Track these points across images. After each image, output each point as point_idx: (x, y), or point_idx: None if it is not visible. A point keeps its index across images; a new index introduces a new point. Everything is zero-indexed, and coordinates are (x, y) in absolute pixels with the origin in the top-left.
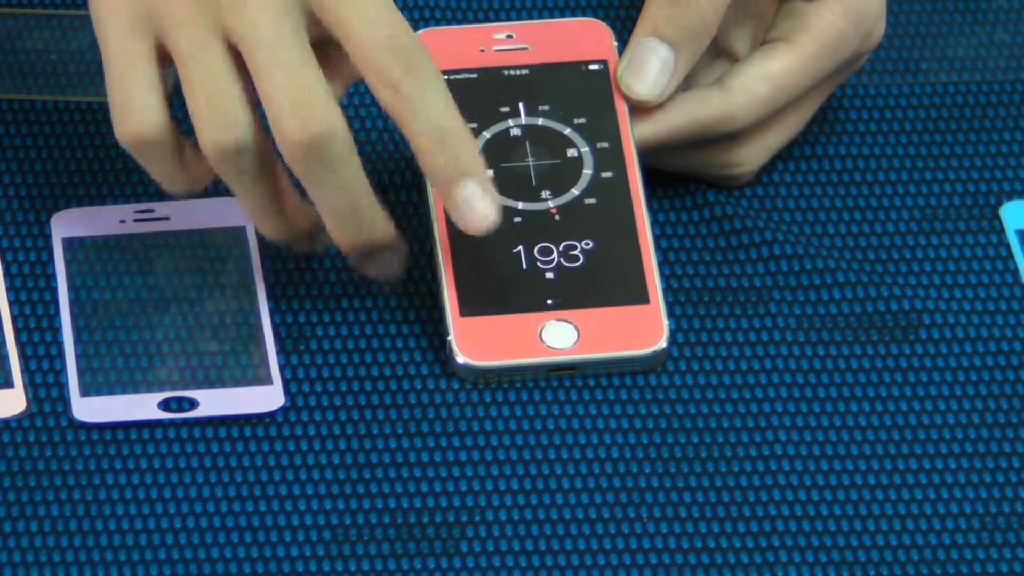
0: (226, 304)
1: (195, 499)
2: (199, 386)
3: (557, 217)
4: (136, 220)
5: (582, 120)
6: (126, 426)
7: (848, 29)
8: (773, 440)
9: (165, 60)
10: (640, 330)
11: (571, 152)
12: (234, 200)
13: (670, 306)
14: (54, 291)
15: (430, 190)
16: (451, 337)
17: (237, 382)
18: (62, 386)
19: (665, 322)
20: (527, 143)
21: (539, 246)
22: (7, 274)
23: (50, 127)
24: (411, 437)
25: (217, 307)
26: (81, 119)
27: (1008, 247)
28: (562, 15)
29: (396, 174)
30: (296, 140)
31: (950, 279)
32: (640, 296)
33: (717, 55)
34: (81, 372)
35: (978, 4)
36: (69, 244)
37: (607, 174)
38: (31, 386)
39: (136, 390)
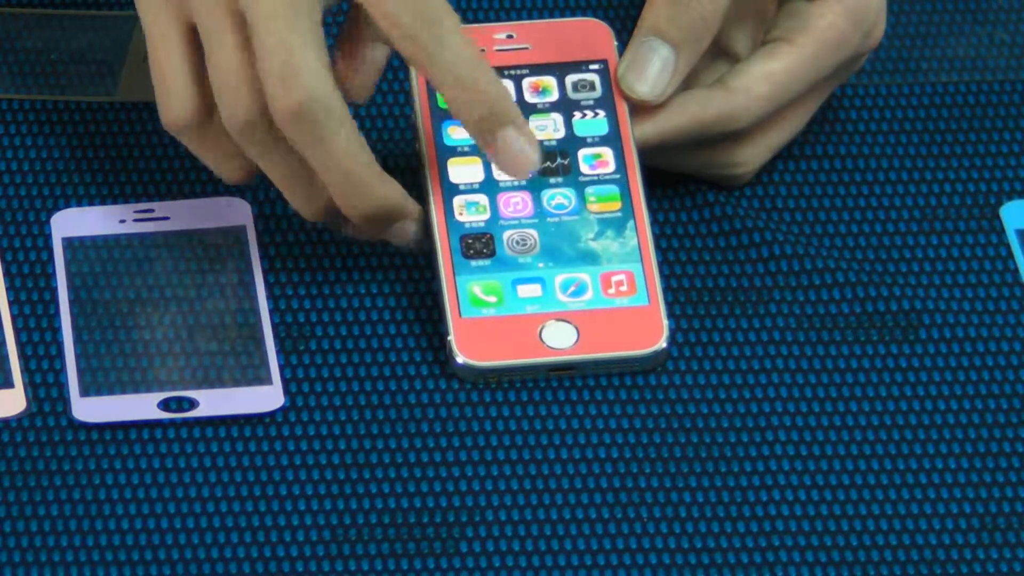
0: (226, 304)
1: (195, 499)
2: (199, 386)
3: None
4: (136, 220)
5: (582, 120)
6: (126, 426)
7: (848, 29)
8: (773, 440)
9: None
10: (640, 330)
11: (571, 152)
12: (235, 200)
13: (670, 306)
14: (54, 291)
15: (430, 190)
16: (451, 337)
17: (237, 382)
18: (62, 386)
19: (665, 322)
20: None
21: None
22: (7, 274)
23: (49, 127)
24: (411, 437)
25: (217, 307)
26: (81, 119)
27: (1008, 247)
28: (562, 15)
29: (396, 174)
30: (281, 107)
31: (950, 279)
32: (640, 296)
33: (717, 55)
34: (81, 372)
35: (978, 4)
36: (69, 244)
37: (608, 174)
38: (31, 386)
39: (136, 390)
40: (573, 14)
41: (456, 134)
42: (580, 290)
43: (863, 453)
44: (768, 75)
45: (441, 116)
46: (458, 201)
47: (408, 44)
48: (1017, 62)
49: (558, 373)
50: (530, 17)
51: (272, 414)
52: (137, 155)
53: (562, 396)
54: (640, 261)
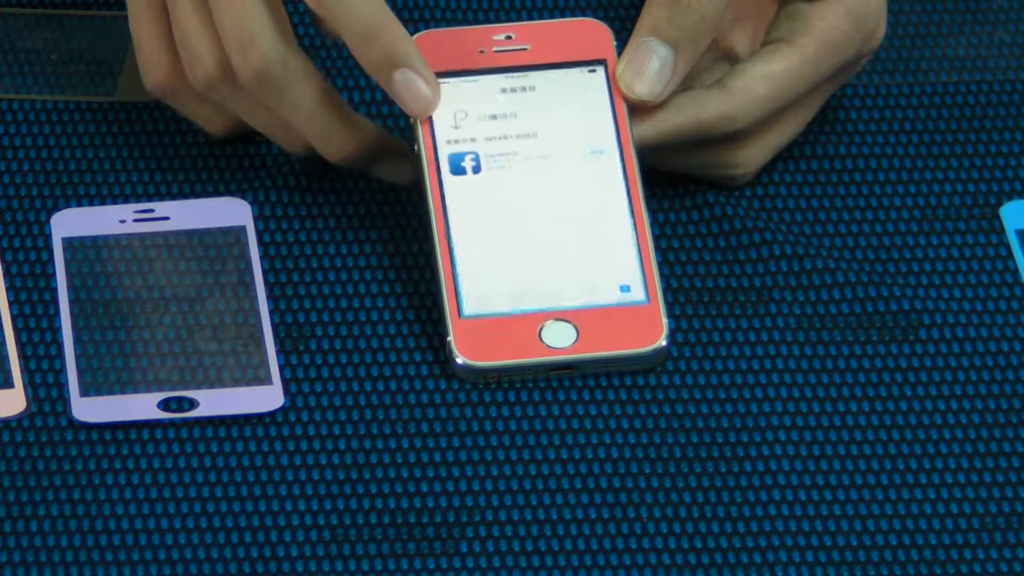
0: (226, 304)
1: (195, 499)
2: (199, 386)
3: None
4: (136, 220)
5: (582, 120)
6: (126, 426)
7: (849, 31)
8: (773, 440)
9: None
10: (640, 329)
11: (571, 152)
12: (234, 200)
13: (670, 306)
14: (54, 291)
15: (430, 191)
16: (450, 338)
17: (236, 382)
18: (62, 386)
19: (664, 320)
20: (527, 142)
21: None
22: (7, 274)
23: (49, 127)
24: (411, 437)
25: (217, 307)
26: (81, 119)
27: (1008, 247)
28: (561, 15)
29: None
30: (243, 73)
31: (950, 279)
32: (639, 295)
33: (717, 56)
34: (81, 372)
35: (978, 4)
36: (69, 244)
37: (607, 174)
38: (31, 386)
39: (136, 390)
40: (572, 14)
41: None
42: (580, 290)
43: (863, 453)
44: (768, 76)
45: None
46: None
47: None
48: (1017, 62)
49: (558, 373)
50: (529, 17)
51: (272, 414)
52: (137, 155)
53: (562, 396)
54: (640, 260)
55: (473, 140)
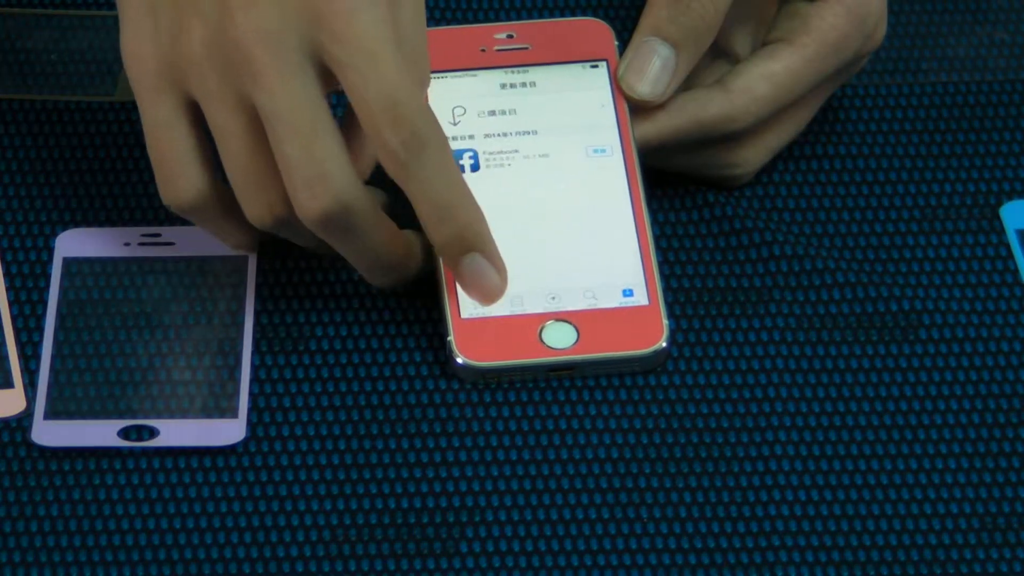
0: (212, 332)
1: (195, 499)
2: (160, 415)
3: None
4: (141, 244)
5: (583, 119)
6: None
7: (850, 30)
8: (773, 440)
9: (200, 113)
10: (640, 330)
11: (572, 151)
12: None
13: (669, 306)
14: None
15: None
16: (451, 337)
17: (200, 413)
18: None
19: (665, 322)
20: (527, 140)
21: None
22: (7, 274)
23: (49, 127)
24: (411, 437)
25: (202, 335)
26: (81, 119)
27: (1008, 247)
28: (562, 15)
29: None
30: (310, 216)
31: (950, 279)
32: (640, 296)
33: (718, 56)
34: (51, 395)
35: (978, 4)
36: (68, 264)
37: (607, 174)
38: (31, 386)
39: (98, 416)
40: (573, 14)
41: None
42: (580, 291)
43: (863, 453)
44: (768, 76)
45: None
46: None
47: (390, 162)
48: (1017, 62)
49: (558, 373)
50: (530, 17)
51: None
52: (138, 155)
53: (562, 396)
54: (640, 261)
55: (471, 137)
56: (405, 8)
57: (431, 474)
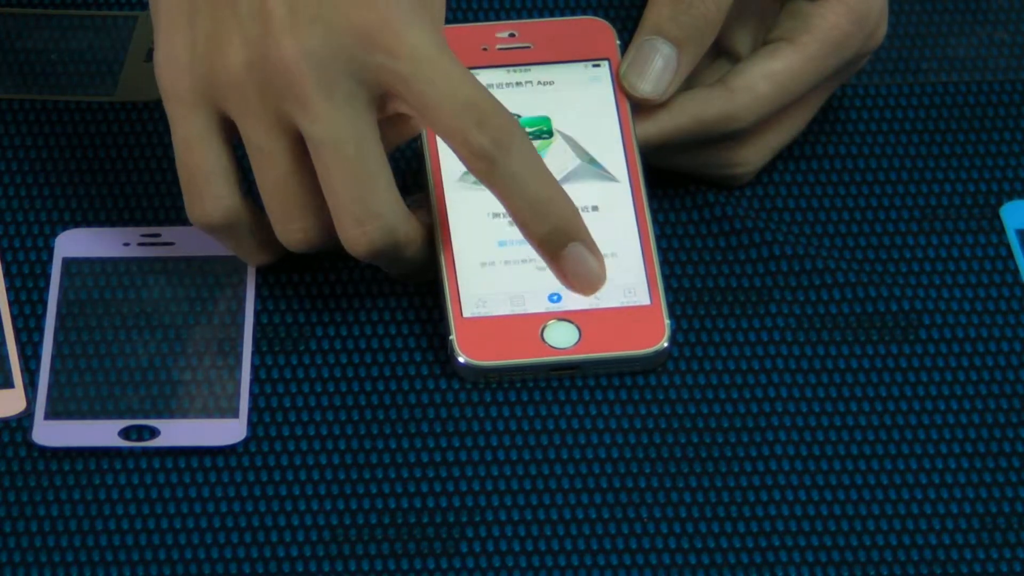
0: (212, 332)
1: (195, 499)
2: (160, 415)
3: None
4: (141, 244)
5: (584, 119)
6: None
7: (851, 30)
8: (773, 440)
9: (233, 130)
10: (641, 330)
11: (573, 151)
12: None
13: (670, 306)
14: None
15: (432, 190)
16: (452, 337)
17: (202, 413)
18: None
19: (666, 321)
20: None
21: None
22: (7, 274)
23: (49, 127)
24: (411, 437)
25: (202, 335)
26: (81, 119)
27: (1008, 247)
28: (563, 14)
29: (398, 175)
30: (358, 251)
31: (950, 279)
32: (641, 296)
33: (719, 55)
34: (51, 395)
35: (978, 4)
36: (68, 264)
37: (609, 173)
38: (31, 386)
39: (99, 416)
40: (575, 13)
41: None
42: None
43: (863, 453)
44: (770, 75)
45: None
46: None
47: (480, 163)
48: (1017, 62)
49: (559, 373)
50: (532, 16)
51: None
52: (138, 154)
53: (563, 396)
54: (642, 261)
55: None
56: (437, 15)
57: (431, 474)
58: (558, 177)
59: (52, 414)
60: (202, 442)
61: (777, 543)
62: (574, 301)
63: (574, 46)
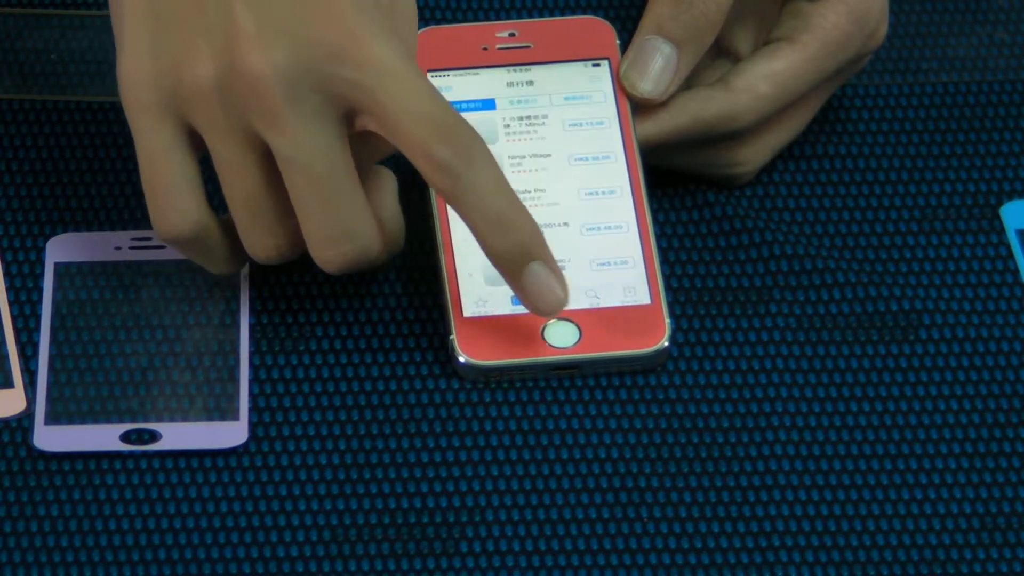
0: (213, 332)
1: (195, 499)
2: (160, 418)
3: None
4: (132, 248)
5: (585, 118)
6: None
7: (851, 30)
8: (773, 440)
9: (199, 143)
10: (642, 329)
11: (574, 151)
12: None
13: (670, 306)
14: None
15: (432, 190)
16: (453, 336)
17: (202, 416)
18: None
19: (667, 321)
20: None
21: None
22: (7, 274)
23: (49, 127)
24: (412, 437)
25: (199, 338)
26: (81, 119)
27: (1008, 247)
28: (563, 14)
29: (397, 174)
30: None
31: (950, 279)
32: (642, 295)
33: (719, 54)
34: (51, 399)
35: (978, 4)
36: (59, 269)
37: (609, 173)
38: (31, 386)
39: (99, 420)
40: (575, 13)
41: None
42: (583, 290)
43: (863, 453)
44: (770, 75)
45: None
46: None
47: (442, 176)
48: (1017, 62)
49: (559, 372)
50: (532, 15)
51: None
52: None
53: (563, 396)
54: (642, 260)
55: None
56: (407, 30)
57: (432, 474)
58: (558, 176)
59: (52, 418)
60: (203, 445)
61: (777, 543)
62: (574, 300)
63: (574, 46)
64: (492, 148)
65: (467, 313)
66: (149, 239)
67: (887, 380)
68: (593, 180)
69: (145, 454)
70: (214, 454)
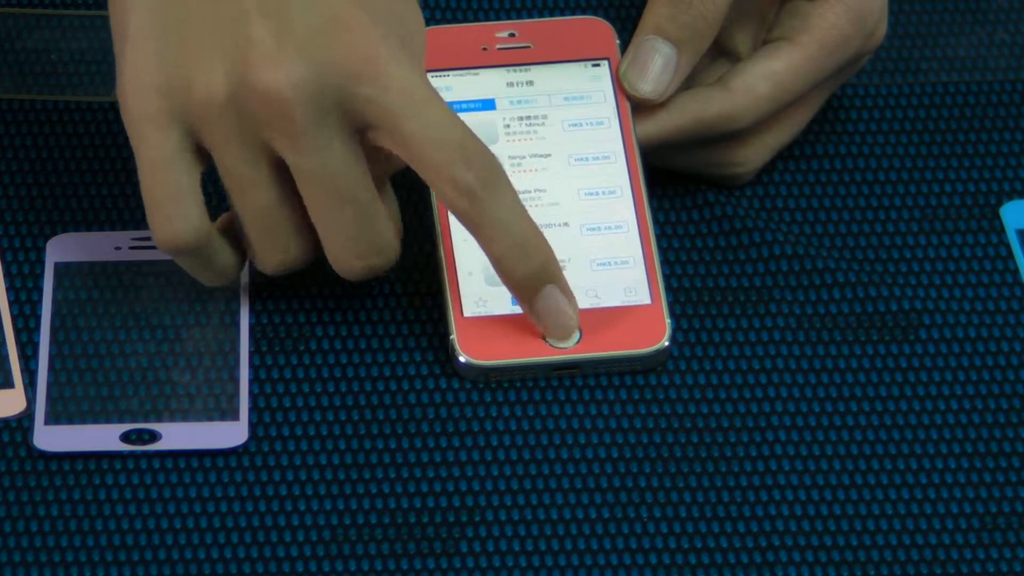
0: (213, 332)
1: (195, 499)
2: (160, 418)
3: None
4: (132, 248)
5: (585, 118)
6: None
7: (850, 29)
8: (773, 440)
9: (202, 154)
10: (643, 329)
11: (574, 151)
12: None
13: (670, 306)
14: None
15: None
16: (453, 336)
17: (202, 416)
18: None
19: (667, 321)
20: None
21: None
22: (7, 274)
23: (49, 127)
24: (412, 437)
25: (199, 338)
26: (81, 119)
27: (1008, 247)
28: (563, 14)
29: (398, 175)
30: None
31: (950, 279)
32: (642, 295)
33: (718, 54)
34: (51, 400)
35: (978, 4)
36: (59, 269)
37: (609, 173)
38: (31, 386)
39: (100, 420)
40: (575, 13)
41: None
42: (583, 289)
43: (863, 453)
44: (770, 74)
45: None
46: None
47: (463, 200)
48: (1017, 62)
49: (560, 372)
50: (532, 16)
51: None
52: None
53: (563, 396)
54: (643, 260)
55: None
56: (419, 52)
57: (432, 474)
58: (558, 177)
59: (52, 418)
60: (203, 445)
61: (777, 543)
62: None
63: (574, 46)
64: (492, 148)
65: (467, 313)
66: (149, 239)
67: (887, 380)
68: (593, 180)
69: (145, 454)
70: (214, 454)
